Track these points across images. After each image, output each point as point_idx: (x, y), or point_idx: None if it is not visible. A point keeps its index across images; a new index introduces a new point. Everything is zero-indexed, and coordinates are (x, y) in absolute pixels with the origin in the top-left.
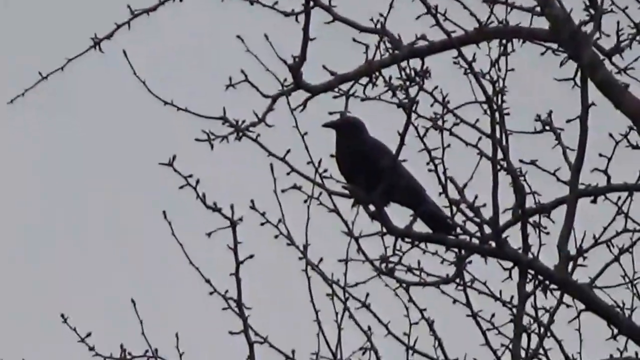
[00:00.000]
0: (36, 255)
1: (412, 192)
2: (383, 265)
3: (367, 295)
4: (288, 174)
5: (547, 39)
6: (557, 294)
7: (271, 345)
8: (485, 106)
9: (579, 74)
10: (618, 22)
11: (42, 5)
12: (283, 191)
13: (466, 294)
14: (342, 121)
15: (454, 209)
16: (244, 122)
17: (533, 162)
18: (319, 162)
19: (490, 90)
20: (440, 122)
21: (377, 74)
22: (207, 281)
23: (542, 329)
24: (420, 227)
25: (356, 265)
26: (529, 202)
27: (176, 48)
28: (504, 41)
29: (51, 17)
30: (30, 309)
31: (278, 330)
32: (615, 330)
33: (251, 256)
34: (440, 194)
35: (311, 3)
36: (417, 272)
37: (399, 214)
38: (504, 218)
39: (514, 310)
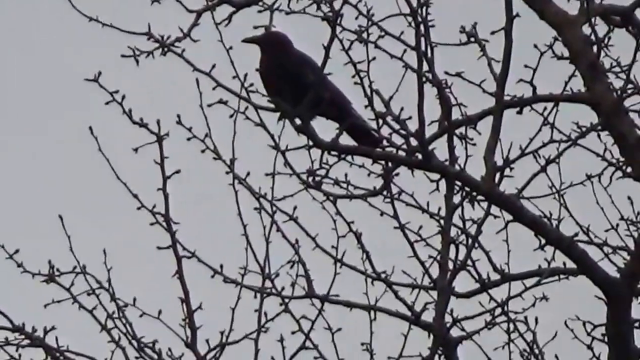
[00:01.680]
0: None
1: (338, 105)
2: (310, 179)
3: (295, 208)
4: (214, 88)
5: None
6: (485, 205)
7: (199, 260)
8: (410, 18)
9: None
10: None
11: None
12: (209, 106)
13: (393, 206)
14: (265, 36)
15: (380, 121)
16: (169, 37)
17: (458, 74)
18: (245, 77)
19: (414, 3)
20: (365, 35)
21: None
22: (135, 196)
23: (469, 240)
24: (347, 140)
25: (283, 179)
26: (455, 114)
27: None
28: None
29: None
30: None
31: (206, 245)
32: (543, 241)
33: (178, 171)
34: (366, 107)
35: None
36: (344, 185)
37: (325, 127)
38: (430, 130)
39: (442, 222)
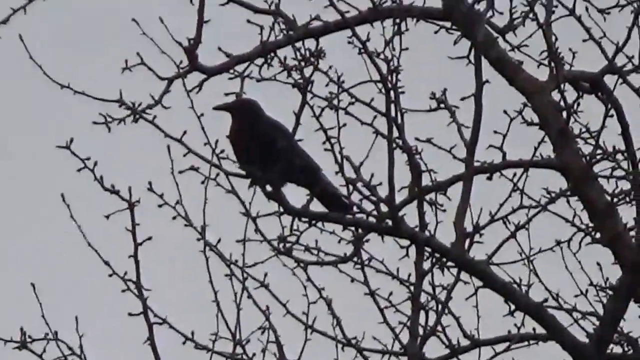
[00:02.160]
0: None
1: (309, 172)
2: (281, 245)
3: (266, 275)
4: (185, 155)
5: (440, 18)
6: (454, 271)
7: (171, 326)
8: (380, 85)
9: (472, 52)
10: (511, 0)
11: None
12: (180, 172)
13: (364, 273)
14: (235, 103)
15: (351, 187)
16: (140, 104)
17: (429, 140)
18: (216, 143)
19: (384, 69)
20: (335, 102)
21: (272, 54)
22: (106, 263)
23: (439, 306)
24: (318, 206)
25: (254, 246)
26: (425, 180)
27: (73, 32)
28: (397, 20)
29: None
30: None
31: (177, 311)
32: (513, 307)
33: (149, 238)
34: (336, 173)
35: None
36: (315, 252)
37: (296, 194)
38: (400, 196)
39: (412, 288)
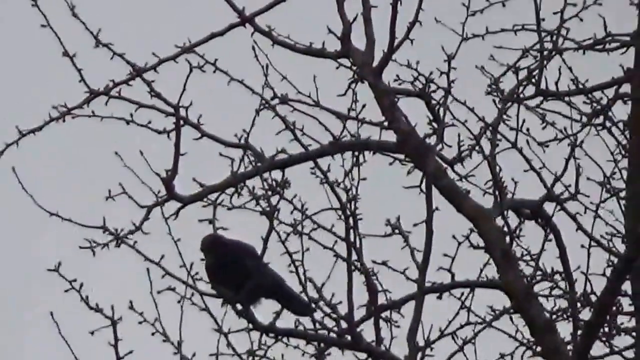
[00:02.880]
0: None
1: (276, 290)
2: (250, 359)
3: None
4: (163, 276)
5: (395, 151)
6: None
7: None
8: (340, 212)
9: (424, 181)
10: (459, 134)
11: None
12: (159, 292)
13: None
14: (202, 244)
15: (314, 306)
16: (122, 230)
17: (384, 263)
18: (191, 266)
19: (344, 198)
20: (299, 228)
21: (241, 184)
22: None
23: None
24: (284, 322)
25: (226, 359)
26: (381, 299)
27: (61, 164)
28: (356, 153)
29: None
30: None
31: None
32: None
33: (130, 352)
34: (300, 292)
35: (181, 122)
36: None
37: (263, 312)
38: (358, 314)
39: None
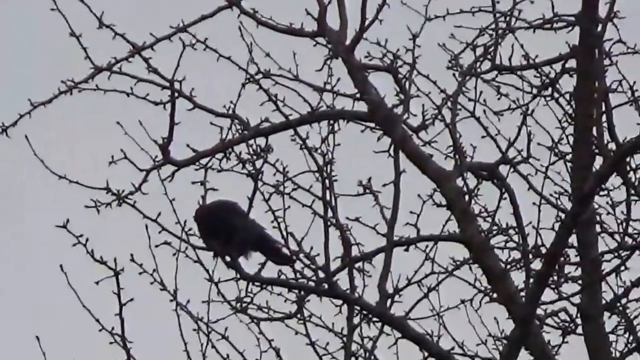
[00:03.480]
0: None
1: (261, 243)
2: (238, 305)
3: (226, 329)
4: (160, 232)
5: (366, 119)
6: (379, 325)
7: None
8: (317, 174)
9: (392, 147)
10: (423, 105)
11: None
12: (156, 246)
13: (305, 327)
14: (197, 212)
15: (294, 257)
16: (123, 191)
17: (357, 219)
18: (185, 223)
19: (321, 162)
20: (281, 188)
21: (229, 150)
22: (97, 320)
23: (367, 354)
24: (268, 272)
25: (217, 305)
26: (354, 251)
27: (69, 133)
28: (331, 122)
29: None
30: None
31: (155, 359)
32: (426, 354)
33: (131, 299)
34: (282, 246)
35: (176, 94)
36: (266, 310)
37: (250, 263)
38: (334, 265)
39: (344, 339)
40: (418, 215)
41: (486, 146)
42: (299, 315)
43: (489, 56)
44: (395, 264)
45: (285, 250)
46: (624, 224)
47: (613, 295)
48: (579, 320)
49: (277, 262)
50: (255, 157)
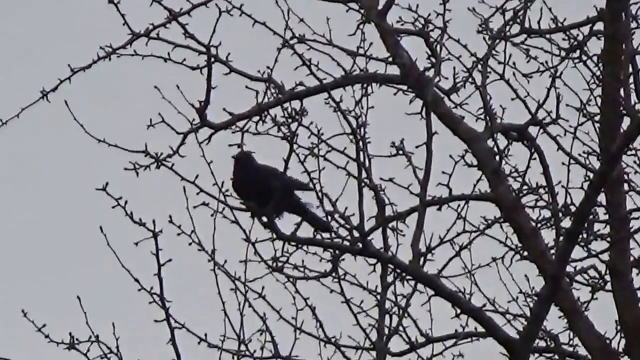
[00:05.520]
0: (3, 263)
1: (296, 205)
2: (274, 264)
3: (263, 288)
4: (197, 194)
5: (398, 83)
6: (412, 283)
7: (188, 330)
8: (351, 136)
9: (424, 109)
10: (454, 68)
11: None
12: (194, 207)
13: (340, 285)
14: (240, 154)
15: (329, 218)
16: (162, 154)
17: (390, 180)
18: (222, 184)
19: (354, 124)
20: (316, 150)
21: (265, 113)
22: (136, 280)
23: (401, 311)
24: (304, 232)
25: (253, 265)
26: (388, 211)
27: (108, 98)
28: (364, 85)
29: (5, 72)
30: None
31: (193, 318)
32: (458, 311)
33: (170, 260)
34: (317, 206)
35: (212, 59)
36: (302, 269)
37: (285, 224)
38: (368, 224)
39: (378, 296)
40: (450, 176)
41: (516, 108)
42: (333, 274)
43: (518, 20)
44: (428, 223)
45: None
46: None
47: None
48: (608, 277)
49: (314, 227)
50: (290, 120)
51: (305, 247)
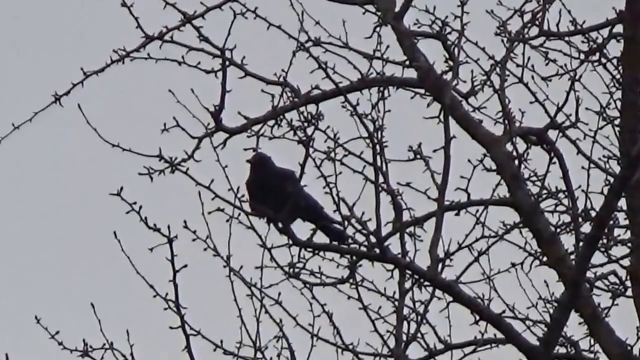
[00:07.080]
0: (17, 270)
1: (312, 211)
2: (291, 270)
3: (279, 294)
4: (213, 199)
5: (415, 86)
6: (430, 289)
7: (203, 337)
8: (368, 140)
9: (442, 112)
10: (472, 71)
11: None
12: (209, 213)
13: (358, 291)
14: (253, 157)
15: (346, 223)
16: (176, 158)
17: (408, 184)
18: (237, 189)
19: (371, 128)
20: (332, 155)
21: (281, 117)
22: (151, 286)
23: (419, 317)
24: (320, 238)
25: (269, 271)
26: (406, 216)
27: (121, 102)
28: (381, 88)
29: (18, 76)
30: (9, 313)
31: (209, 325)
32: (477, 317)
33: (185, 266)
34: (334, 211)
35: (227, 62)
36: (318, 275)
37: (302, 229)
38: (385, 229)
39: (396, 303)
40: (468, 180)
41: (535, 111)
42: (351, 280)
43: (536, 22)
44: (446, 229)
45: (337, 226)
46: None
47: None
48: (628, 283)
49: (330, 237)
50: (306, 124)
51: (321, 253)
